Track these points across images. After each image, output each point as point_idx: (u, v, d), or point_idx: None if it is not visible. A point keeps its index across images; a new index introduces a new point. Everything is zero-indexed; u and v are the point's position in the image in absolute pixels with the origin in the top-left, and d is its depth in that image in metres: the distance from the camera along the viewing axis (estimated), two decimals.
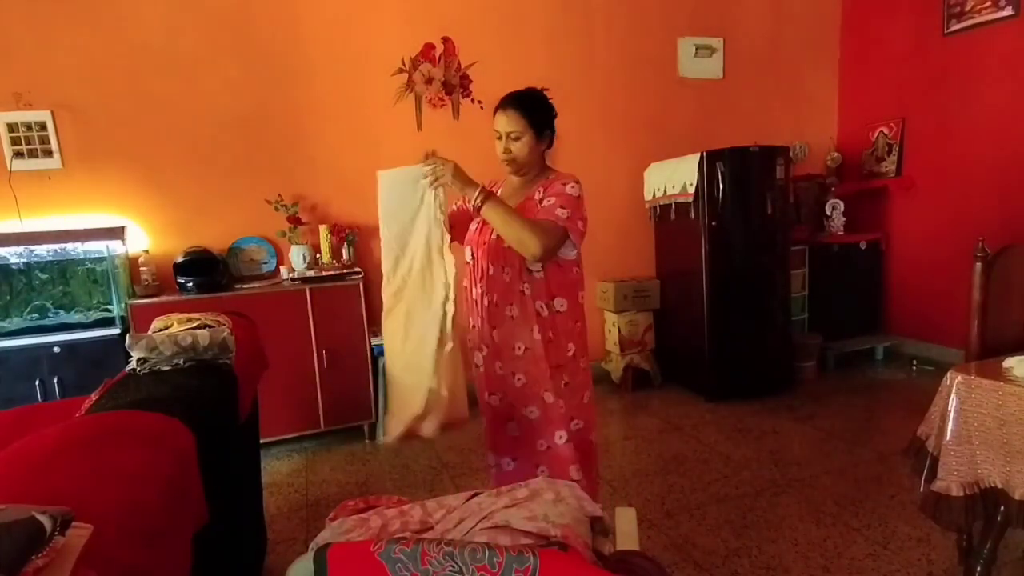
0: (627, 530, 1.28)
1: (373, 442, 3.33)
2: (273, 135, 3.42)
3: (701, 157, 3.46)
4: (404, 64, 3.60)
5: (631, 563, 1.03)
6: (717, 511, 2.38)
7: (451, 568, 0.87)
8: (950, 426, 1.65)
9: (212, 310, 1.94)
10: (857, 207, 4.34)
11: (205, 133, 3.32)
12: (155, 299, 3.01)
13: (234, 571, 1.70)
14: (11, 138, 3.04)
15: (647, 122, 4.10)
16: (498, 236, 1.70)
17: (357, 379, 3.27)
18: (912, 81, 4.08)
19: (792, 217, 3.89)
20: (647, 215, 4.03)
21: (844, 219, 4.19)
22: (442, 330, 1.63)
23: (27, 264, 2.99)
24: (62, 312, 3.03)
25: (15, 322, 2.96)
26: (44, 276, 3.02)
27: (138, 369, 1.60)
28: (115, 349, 2.83)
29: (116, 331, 2.93)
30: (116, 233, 3.09)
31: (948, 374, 1.69)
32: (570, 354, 1.78)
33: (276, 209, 3.35)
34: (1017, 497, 1.51)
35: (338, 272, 3.29)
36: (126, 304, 2.97)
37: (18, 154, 3.06)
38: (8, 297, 2.97)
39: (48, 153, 3.10)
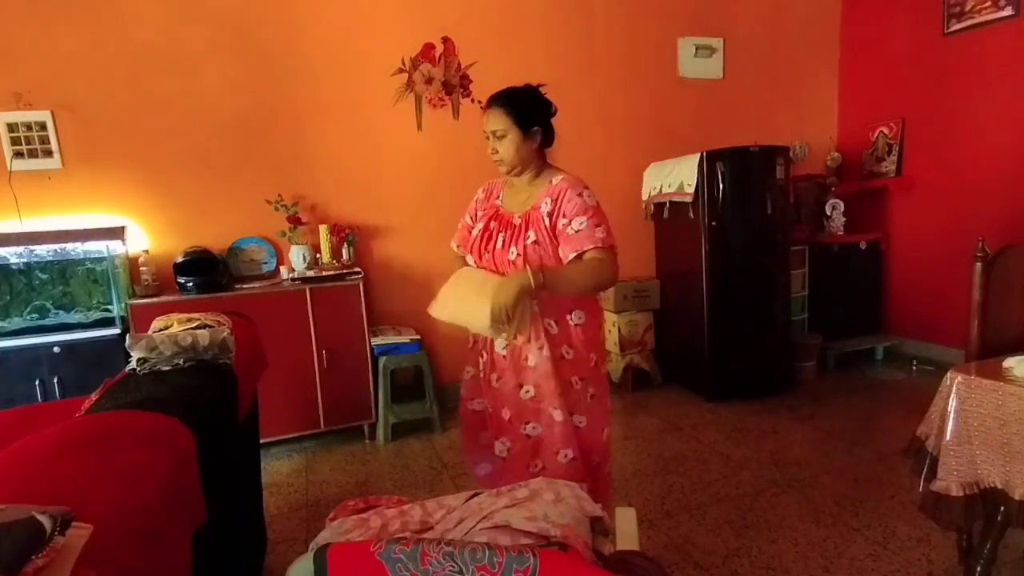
0: (627, 530, 1.28)
1: (373, 442, 3.33)
2: (273, 135, 3.42)
3: (701, 157, 3.46)
4: (404, 64, 3.60)
5: (631, 563, 1.03)
6: (717, 511, 2.38)
7: (451, 568, 0.87)
8: (950, 426, 1.65)
9: (212, 310, 1.94)
10: (857, 207, 4.34)
11: (205, 133, 3.32)
12: (155, 299, 3.01)
13: (234, 571, 1.70)
14: (11, 138, 3.04)
15: (647, 122, 4.10)
16: (504, 246, 1.65)
17: (357, 379, 3.27)
18: (912, 81, 4.08)
19: (792, 217, 3.89)
20: (643, 213, 4.02)
21: (844, 219, 4.19)
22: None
23: (27, 264, 2.99)
24: (62, 312, 3.03)
25: (15, 322, 2.96)
26: (44, 276, 3.02)
27: (138, 369, 1.61)
28: (115, 349, 2.83)
29: (116, 331, 2.93)
30: (116, 233, 3.09)
31: (948, 374, 1.69)
32: (592, 364, 1.71)
33: (276, 209, 3.35)
34: (1017, 497, 1.51)
35: (338, 272, 3.29)
36: (126, 304, 2.97)
37: (18, 154, 3.06)
38: (8, 297, 2.97)
39: (48, 153, 3.10)
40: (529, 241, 1.62)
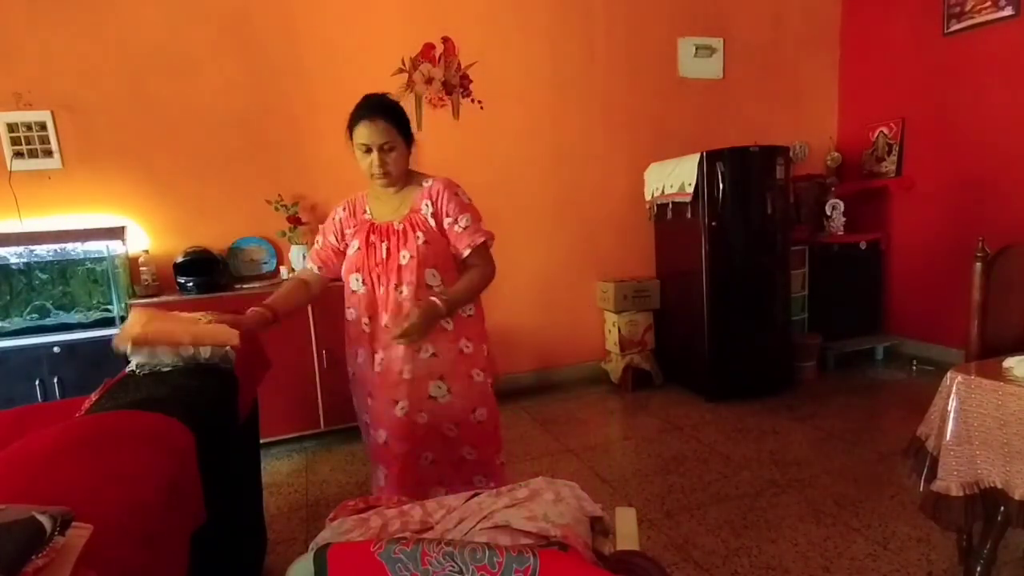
0: (627, 530, 1.27)
1: None
2: (273, 135, 3.42)
3: (701, 157, 3.46)
4: (404, 64, 3.60)
5: (631, 563, 1.03)
6: (717, 511, 2.38)
7: (451, 568, 0.87)
8: (950, 426, 1.65)
9: (213, 310, 1.93)
10: (857, 207, 4.34)
11: (205, 133, 3.32)
12: (155, 299, 3.01)
13: (234, 571, 1.70)
14: (11, 138, 3.04)
15: (647, 122, 4.10)
16: (390, 253, 1.69)
17: None
18: (912, 81, 4.08)
19: (792, 217, 3.89)
20: (646, 214, 4.03)
21: (844, 219, 4.19)
22: None
23: (27, 264, 3.00)
24: (62, 312, 3.03)
25: (15, 322, 2.96)
26: (44, 276, 3.02)
27: (137, 370, 1.61)
28: (115, 349, 2.82)
29: (116, 331, 2.92)
30: (116, 233, 3.09)
31: (948, 374, 1.69)
32: (485, 353, 1.81)
33: (276, 209, 3.35)
34: (1017, 497, 1.51)
35: None
36: (126, 304, 2.98)
37: (18, 154, 3.06)
38: (8, 297, 2.97)
39: (48, 153, 3.10)
40: (420, 242, 1.67)
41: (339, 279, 1.85)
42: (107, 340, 2.87)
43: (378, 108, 1.64)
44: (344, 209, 1.83)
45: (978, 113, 3.71)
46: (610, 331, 3.97)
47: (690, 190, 3.51)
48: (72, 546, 0.75)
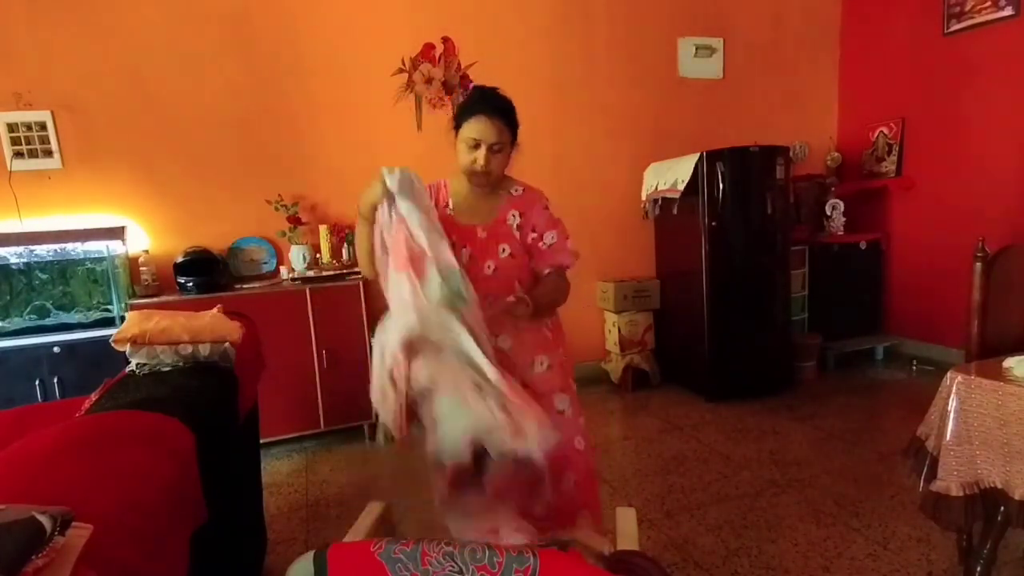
0: (627, 530, 1.27)
1: (373, 442, 3.33)
2: (273, 135, 3.42)
3: (701, 157, 3.46)
4: (404, 64, 3.60)
5: (631, 563, 1.03)
6: (717, 511, 2.38)
7: (451, 568, 0.87)
8: (950, 426, 1.65)
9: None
10: (857, 207, 4.34)
11: (205, 133, 3.32)
12: (155, 299, 3.01)
13: (234, 571, 1.70)
14: (11, 138, 3.04)
15: (647, 122, 4.10)
16: (473, 261, 1.58)
17: (357, 379, 3.23)
18: (912, 81, 4.08)
19: (792, 217, 3.89)
20: (641, 212, 4.02)
21: (844, 219, 4.19)
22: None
23: (27, 264, 3.00)
24: (62, 312, 3.03)
25: (15, 322, 2.96)
26: (44, 276, 3.02)
27: (137, 371, 1.61)
28: (115, 349, 2.83)
29: (116, 331, 2.93)
30: (116, 233, 3.09)
31: (948, 374, 1.69)
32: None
33: (276, 209, 3.35)
34: (1017, 497, 1.51)
35: (338, 272, 3.29)
36: (126, 304, 2.97)
37: (18, 154, 3.06)
38: (8, 297, 2.97)
39: (48, 153, 3.10)
40: (504, 255, 1.59)
41: None
42: (107, 340, 2.89)
43: (498, 107, 1.54)
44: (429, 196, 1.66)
45: (978, 113, 3.71)
46: (610, 331, 3.97)
47: (682, 187, 3.50)
48: (72, 546, 0.75)
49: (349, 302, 3.21)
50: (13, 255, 2.96)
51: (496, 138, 1.53)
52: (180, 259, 3.10)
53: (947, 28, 3.82)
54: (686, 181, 3.48)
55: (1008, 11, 3.48)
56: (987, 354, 1.82)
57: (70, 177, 3.15)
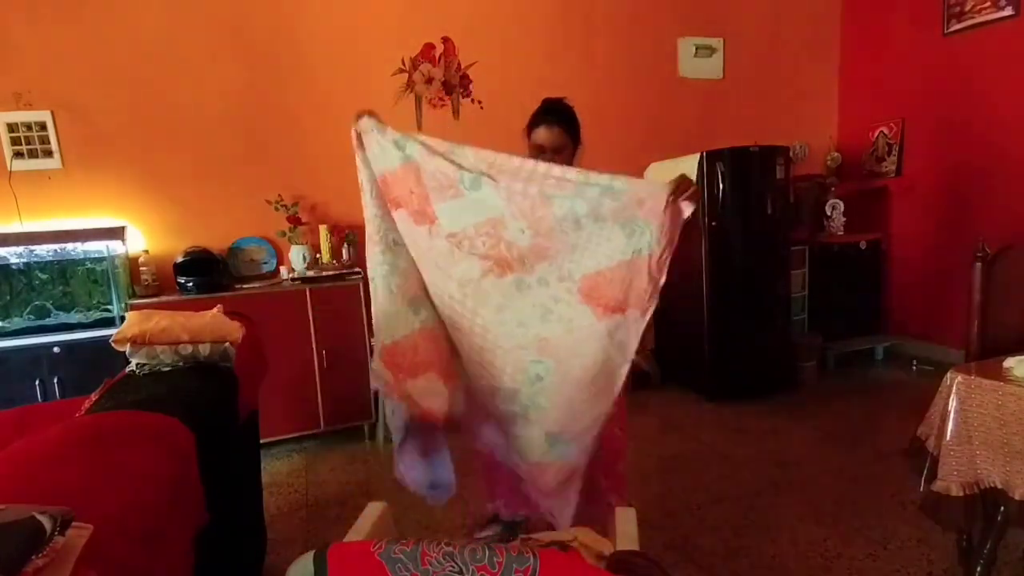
0: (627, 530, 1.27)
1: (373, 442, 3.33)
2: (273, 135, 3.42)
3: (701, 157, 3.46)
4: (404, 64, 3.60)
5: (631, 563, 1.03)
6: (717, 511, 2.38)
7: (451, 568, 0.87)
8: (950, 426, 1.65)
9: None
10: (857, 207, 4.34)
11: (205, 133, 3.32)
12: (155, 299, 3.00)
13: (234, 571, 1.70)
14: (11, 138, 3.04)
15: (647, 122, 4.10)
16: None
17: (357, 379, 3.27)
18: (912, 81, 4.08)
19: (792, 217, 3.89)
20: None
21: (844, 219, 4.19)
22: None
23: (27, 264, 3.00)
24: (62, 312, 3.03)
25: (15, 322, 2.96)
26: (44, 276, 3.02)
27: (137, 371, 1.61)
28: (115, 349, 2.83)
29: (116, 331, 2.93)
30: (116, 233, 3.09)
31: (948, 374, 1.69)
32: None
33: (276, 209, 3.35)
34: (1017, 497, 1.51)
35: (338, 272, 3.29)
36: (126, 304, 2.97)
37: (18, 154, 3.06)
38: (8, 297, 2.97)
39: (48, 153, 3.10)
40: None
41: None
42: (107, 340, 2.89)
43: (557, 115, 1.80)
44: None
45: (978, 113, 3.70)
46: None
47: None
48: (72, 546, 0.75)
49: (349, 302, 3.21)
50: (13, 255, 2.96)
51: (559, 141, 1.79)
52: (180, 259, 3.10)
53: (947, 28, 3.82)
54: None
55: (1008, 11, 3.48)
56: (987, 354, 1.82)
57: (70, 177, 3.15)
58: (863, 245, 4.18)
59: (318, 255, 3.39)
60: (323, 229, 3.37)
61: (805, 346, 3.89)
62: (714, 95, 4.25)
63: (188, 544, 1.10)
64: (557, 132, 1.78)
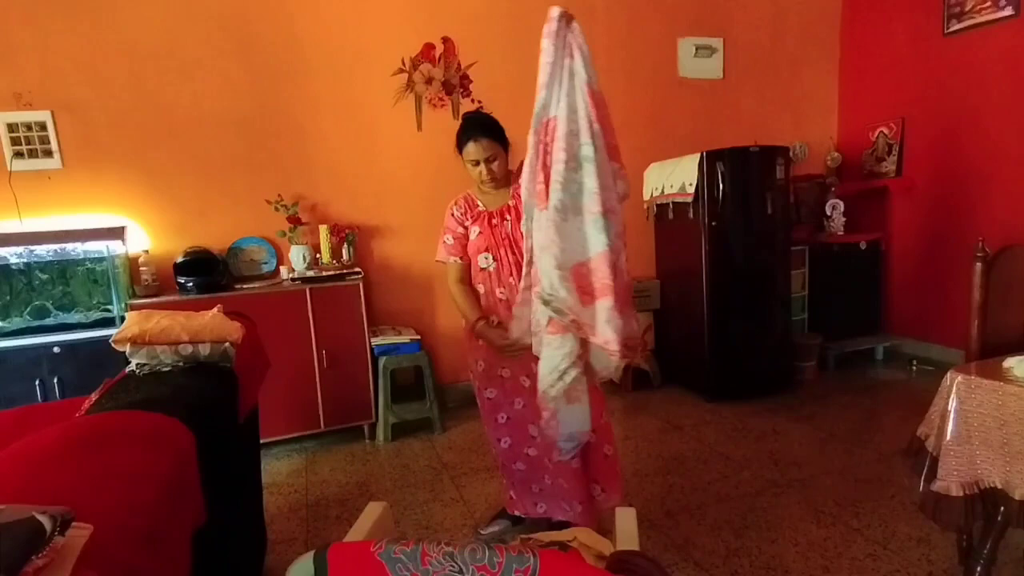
0: (627, 530, 1.27)
1: (373, 442, 3.33)
2: (273, 135, 3.42)
3: (701, 157, 3.45)
4: (404, 64, 3.60)
5: (631, 563, 1.03)
6: (717, 511, 2.38)
7: (451, 568, 0.87)
8: (950, 426, 1.65)
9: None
10: (857, 207, 4.34)
11: (205, 133, 3.32)
12: (155, 299, 3.01)
13: (234, 571, 1.70)
14: (11, 138, 3.04)
15: (647, 122, 4.10)
16: (514, 229, 1.96)
17: (357, 379, 3.27)
18: (912, 81, 4.08)
19: (792, 217, 3.89)
20: (644, 214, 4.03)
21: (844, 219, 4.19)
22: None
23: (27, 264, 2.99)
24: (62, 312, 3.03)
25: (15, 322, 2.96)
26: (44, 276, 3.02)
27: (137, 371, 1.61)
28: (115, 349, 2.83)
29: (116, 331, 2.93)
30: (116, 233, 3.09)
31: (948, 374, 1.69)
32: None
33: (276, 209, 3.35)
34: (1017, 497, 1.51)
35: (338, 272, 3.29)
36: (126, 304, 2.97)
37: (18, 154, 3.06)
38: (8, 297, 2.97)
39: (48, 153, 3.10)
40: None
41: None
42: (107, 340, 2.90)
43: (481, 128, 1.95)
44: (457, 206, 2.10)
45: (978, 113, 3.71)
46: None
47: (691, 190, 3.50)
48: (72, 546, 0.75)
49: (349, 302, 3.21)
50: (13, 255, 2.96)
51: (489, 152, 1.95)
52: (180, 259, 3.10)
53: (947, 28, 3.82)
54: (694, 184, 3.48)
55: (1008, 11, 3.48)
56: (987, 354, 1.82)
57: (70, 177, 3.15)
58: (863, 245, 4.18)
59: (318, 255, 3.39)
60: (323, 229, 3.38)
61: (805, 346, 3.89)
62: (714, 95, 4.25)
63: (188, 544, 1.10)
64: (485, 143, 1.94)
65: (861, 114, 4.45)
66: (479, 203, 2.09)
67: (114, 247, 3.06)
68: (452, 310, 3.74)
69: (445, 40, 3.65)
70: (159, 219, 3.30)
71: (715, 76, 4.24)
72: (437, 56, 3.65)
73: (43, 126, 3.08)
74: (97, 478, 0.97)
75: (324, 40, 3.44)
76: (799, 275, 4.07)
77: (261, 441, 2.45)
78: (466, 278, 2.10)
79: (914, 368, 4.00)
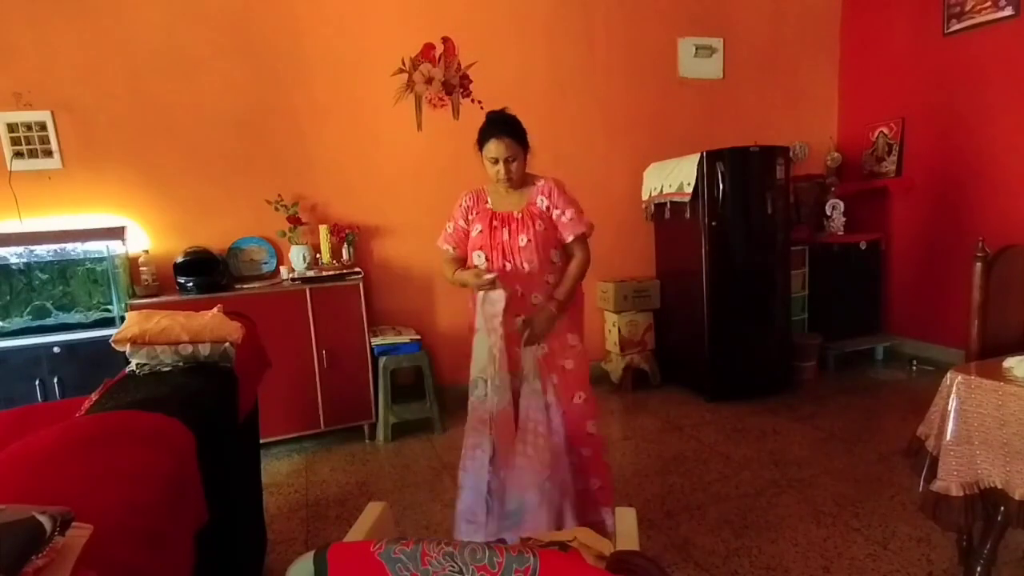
0: (627, 530, 1.27)
1: (373, 442, 3.33)
2: (273, 135, 3.42)
3: (701, 157, 3.46)
4: (404, 64, 3.60)
5: (631, 563, 1.03)
6: (717, 511, 2.38)
7: (451, 568, 0.87)
8: (950, 426, 1.65)
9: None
10: (857, 207, 4.34)
11: (205, 133, 3.32)
12: (155, 299, 3.01)
13: (234, 571, 1.70)
14: (11, 138, 3.04)
15: (647, 122, 4.10)
16: (511, 236, 1.98)
17: (357, 379, 3.27)
18: (912, 81, 4.08)
19: (792, 217, 3.89)
20: (643, 214, 4.03)
21: (844, 219, 4.19)
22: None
23: (27, 264, 2.99)
24: (62, 312, 3.03)
25: (15, 322, 2.96)
26: (44, 276, 3.02)
27: (138, 371, 1.61)
28: (115, 349, 2.83)
29: (116, 331, 2.93)
30: (116, 233, 3.09)
31: (948, 374, 1.69)
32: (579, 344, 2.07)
33: (276, 209, 3.35)
34: (1017, 497, 1.51)
35: (338, 272, 3.29)
36: (126, 304, 2.97)
37: (18, 154, 3.06)
38: (8, 297, 2.97)
39: (48, 153, 3.10)
40: (540, 229, 1.98)
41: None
42: (107, 340, 2.89)
43: (505, 127, 1.95)
44: (468, 198, 2.12)
45: (978, 113, 3.70)
46: (610, 331, 3.97)
47: (689, 190, 3.51)
48: (72, 546, 0.75)
49: (349, 302, 3.21)
50: (13, 255, 2.96)
51: (508, 152, 1.94)
52: (180, 259, 3.10)
53: (947, 28, 3.82)
54: (692, 184, 3.48)
55: (1008, 11, 3.48)
56: (987, 354, 1.82)
57: (70, 177, 3.15)
58: (863, 245, 4.18)
59: (318, 255, 3.39)
60: (323, 229, 3.38)
61: (805, 346, 3.89)
62: (714, 95, 4.25)
63: (188, 544, 1.10)
64: (508, 143, 1.93)
65: (861, 114, 4.45)
66: (489, 200, 2.11)
67: (114, 247, 3.06)
68: (452, 310, 3.75)
69: (445, 40, 3.65)
70: (159, 219, 3.30)
71: (715, 76, 4.24)
72: (437, 56, 3.65)
73: (43, 126, 3.07)
74: (97, 478, 0.97)
75: (324, 40, 3.44)
76: (799, 275, 4.07)
77: (261, 441, 2.46)
78: (457, 268, 2.12)
79: (914, 368, 4.00)
